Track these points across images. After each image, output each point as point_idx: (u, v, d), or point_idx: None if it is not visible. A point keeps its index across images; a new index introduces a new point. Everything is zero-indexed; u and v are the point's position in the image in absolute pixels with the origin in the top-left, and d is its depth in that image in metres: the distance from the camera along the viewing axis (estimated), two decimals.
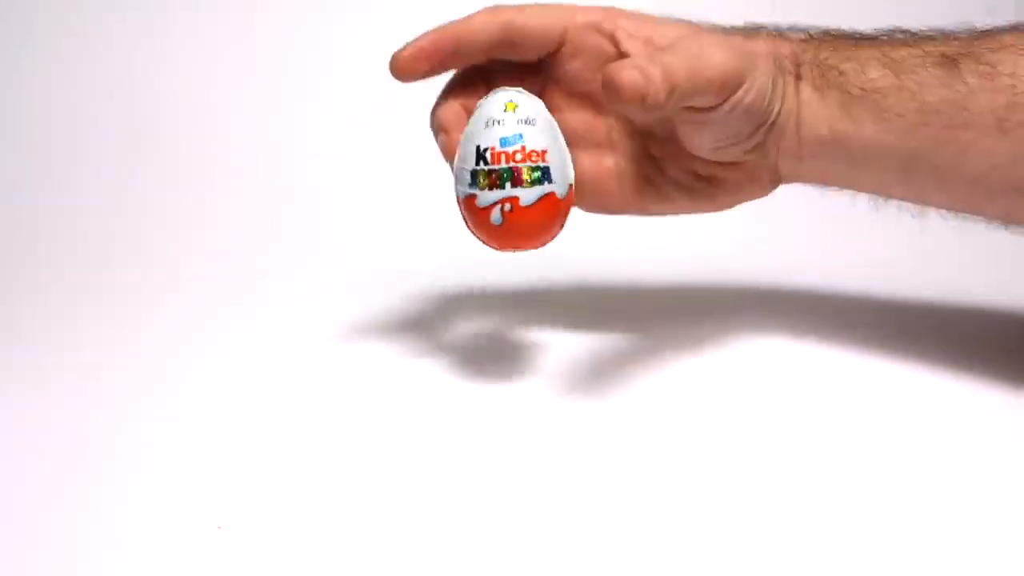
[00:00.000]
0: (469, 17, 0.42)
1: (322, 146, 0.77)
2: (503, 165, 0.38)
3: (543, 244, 0.40)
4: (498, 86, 0.41)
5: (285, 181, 0.74)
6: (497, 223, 0.39)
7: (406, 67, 0.41)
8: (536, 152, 0.38)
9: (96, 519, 0.33)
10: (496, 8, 0.42)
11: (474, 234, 0.41)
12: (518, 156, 0.38)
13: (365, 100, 0.72)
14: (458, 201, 0.40)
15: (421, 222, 0.67)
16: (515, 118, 0.38)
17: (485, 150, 0.38)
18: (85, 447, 0.38)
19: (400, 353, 0.47)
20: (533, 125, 0.39)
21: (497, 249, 0.40)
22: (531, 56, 0.42)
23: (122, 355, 0.48)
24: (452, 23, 0.42)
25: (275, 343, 0.50)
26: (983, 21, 0.80)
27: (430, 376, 0.45)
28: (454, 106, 0.42)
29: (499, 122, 0.38)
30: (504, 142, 0.38)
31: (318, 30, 0.82)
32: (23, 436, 0.39)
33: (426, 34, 0.41)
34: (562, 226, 0.40)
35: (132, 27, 0.79)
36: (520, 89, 0.40)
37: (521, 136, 0.38)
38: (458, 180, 0.40)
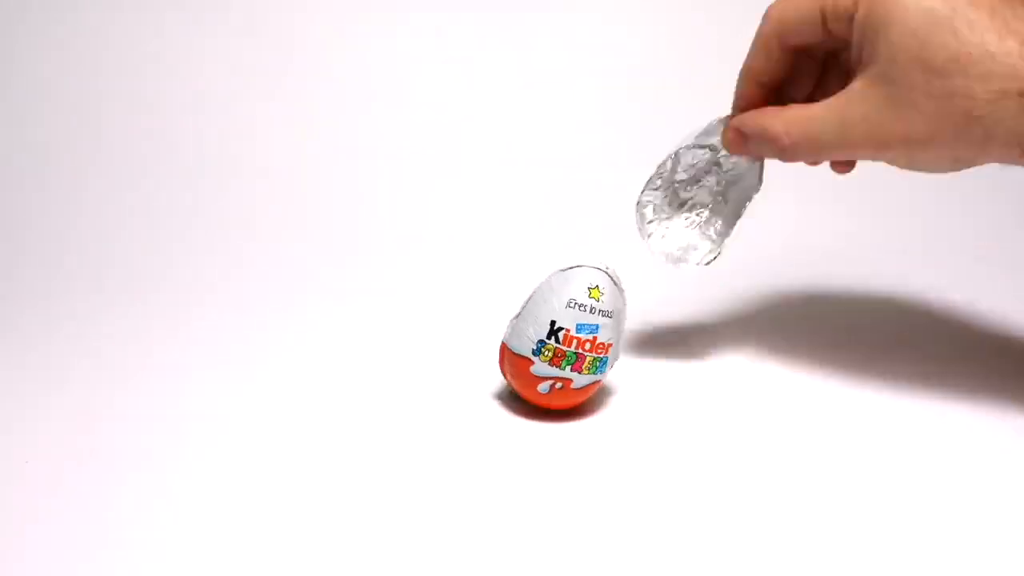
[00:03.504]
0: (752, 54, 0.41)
1: (340, 149, 0.76)
2: (571, 349, 0.38)
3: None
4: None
5: (299, 185, 0.73)
6: (543, 392, 0.40)
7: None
8: (603, 345, 0.39)
9: (122, 526, 0.34)
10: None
11: (507, 379, 0.41)
12: (587, 346, 0.38)
13: (381, 101, 0.73)
14: (507, 349, 0.40)
15: (440, 228, 0.67)
16: (597, 307, 0.39)
17: (559, 329, 0.38)
18: (103, 451, 0.39)
19: (422, 364, 0.48)
20: (610, 318, 0.39)
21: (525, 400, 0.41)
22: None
23: (144, 361, 0.48)
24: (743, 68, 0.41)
25: (290, 349, 0.50)
26: None
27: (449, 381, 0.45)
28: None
29: (581, 307, 0.38)
30: (580, 328, 0.38)
31: (333, 32, 0.81)
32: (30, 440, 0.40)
33: (735, 103, 0.42)
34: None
35: (148, 32, 0.78)
36: (607, 267, 0.40)
37: (597, 328, 0.38)
38: (516, 334, 0.40)
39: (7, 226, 0.65)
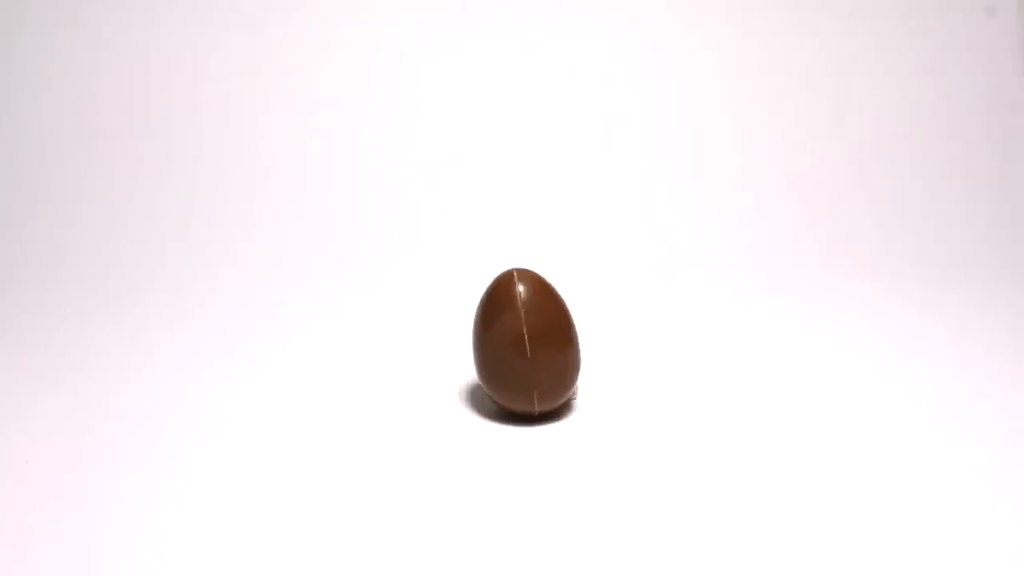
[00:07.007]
0: None
1: (336, 151, 0.76)
2: None
3: None
4: None
5: (301, 185, 0.74)
6: None
7: None
8: None
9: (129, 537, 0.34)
10: None
11: None
12: None
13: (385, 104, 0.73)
14: None
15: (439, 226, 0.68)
16: None
17: None
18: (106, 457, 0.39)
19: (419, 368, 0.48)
20: None
21: None
22: None
23: (143, 367, 0.48)
24: None
25: (290, 351, 0.51)
26: (983, 21, 0.82)
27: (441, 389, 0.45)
28: None
29: None
30: None
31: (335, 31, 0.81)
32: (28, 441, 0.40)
33: None
34: None
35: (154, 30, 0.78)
36: None
37: None
38: None
39: (5, 226, 0.66)
